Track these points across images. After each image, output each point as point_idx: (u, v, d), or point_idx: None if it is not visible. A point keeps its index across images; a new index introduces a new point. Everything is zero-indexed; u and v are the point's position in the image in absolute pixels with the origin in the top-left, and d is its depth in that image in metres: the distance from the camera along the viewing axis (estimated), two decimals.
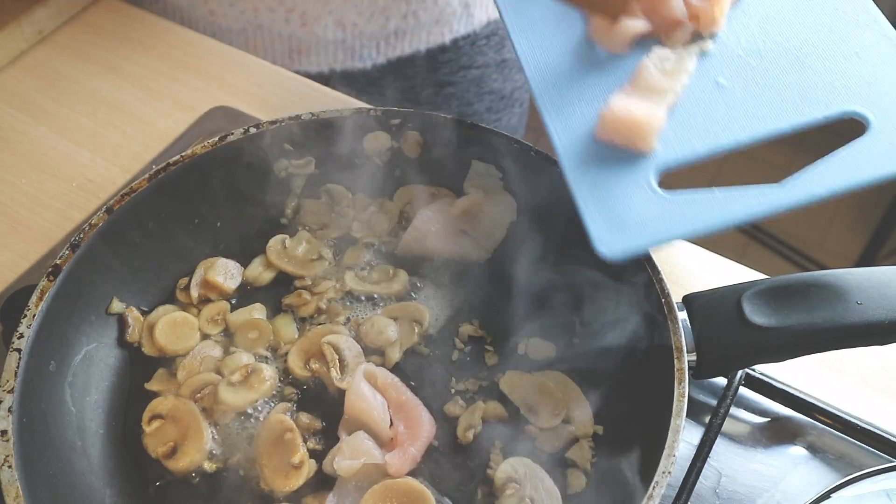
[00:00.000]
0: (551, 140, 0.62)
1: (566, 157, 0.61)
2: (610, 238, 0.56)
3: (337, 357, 0.68)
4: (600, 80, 0.66)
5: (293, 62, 1.07)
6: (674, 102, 0.63)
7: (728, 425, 0.71)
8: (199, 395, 0.67)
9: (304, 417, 0.66)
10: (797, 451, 0.70)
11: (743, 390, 0.73)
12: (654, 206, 0.58)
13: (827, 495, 0.60)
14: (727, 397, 0.69)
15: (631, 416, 0.64)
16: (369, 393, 0.65)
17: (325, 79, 1.08)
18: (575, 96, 0.65)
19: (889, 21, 0.66)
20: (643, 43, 0.68)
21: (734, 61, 0.66)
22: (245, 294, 0.74)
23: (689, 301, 0.65)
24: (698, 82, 0.65)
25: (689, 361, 0.61)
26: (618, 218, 0.57)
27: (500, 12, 0.71)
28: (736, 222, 0.56)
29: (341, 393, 0.66)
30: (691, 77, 0.65)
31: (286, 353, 0.70)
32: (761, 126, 0.61)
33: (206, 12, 1.04)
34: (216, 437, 0.65)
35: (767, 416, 0.72)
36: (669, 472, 0.55)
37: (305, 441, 0.65)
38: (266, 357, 0.70)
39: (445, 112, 0.76)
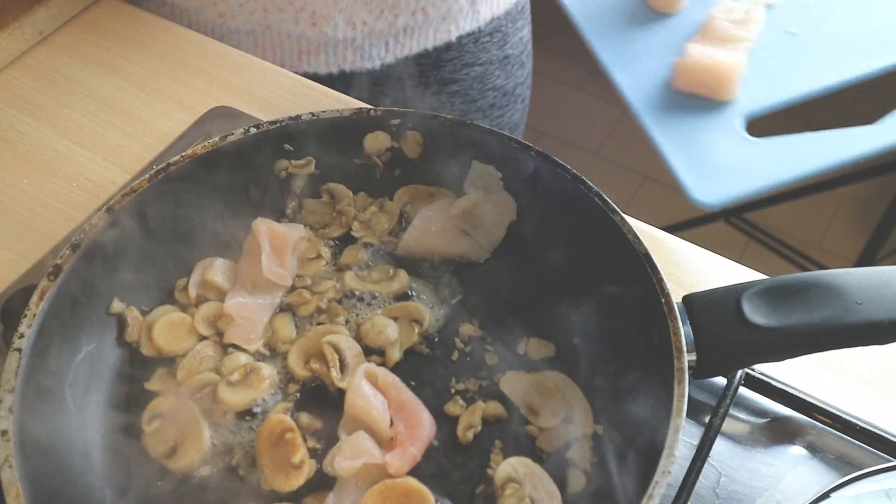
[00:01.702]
0: (622, 93, 0.62)
1: (643, 109, 0.60)
2: (706, 187, 0.55)
3: (337, 357, 0.68)
4: (660, 36, 0.65)
5: (302, 63, 1.07)
6: (749, 51, 0.62)
7: (728, 425, 0.71)
8: (198, 394, 0.67)
9: (304, 417, 0.66)
10: (797, 450, 0.70)
11: (743, 390, 0.73)
12: (746, 153, 0.57)
13: (827, 495, 0.60)
14: (727, 397, 0.69)
15: (631, 416, 0.63)
16: (370, 392, 0.65)
17: (333, 81, 1.08)
18: (638, 52, 0.64)
19: None
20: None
21: (801, 11, 0.65)
22: None
23: (689, 301, 0.65)
24: (769, 32, 0.64)
25: (689, 361, 0.61)
26: (710, 166, 0.56)
27: None
28: (833, 165, 0.55)
29: (341, 393, 0.66)
30: (762, 27, 0.64)
31: (285, 353, 0.70)
32: (841, 71, 0.60)
33: (214, 14, 1.04)
34: (216, 437, 0.65)
35: (767, 416, 0.72)
36: (669, 472, 0.55)
37: (305, 441, 0.65)
38: (265, 356, 0.70)
39: (449, 109, 0.76)
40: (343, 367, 0.68)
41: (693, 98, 0.59)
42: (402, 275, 0.75)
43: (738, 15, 0.62)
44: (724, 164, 0.54)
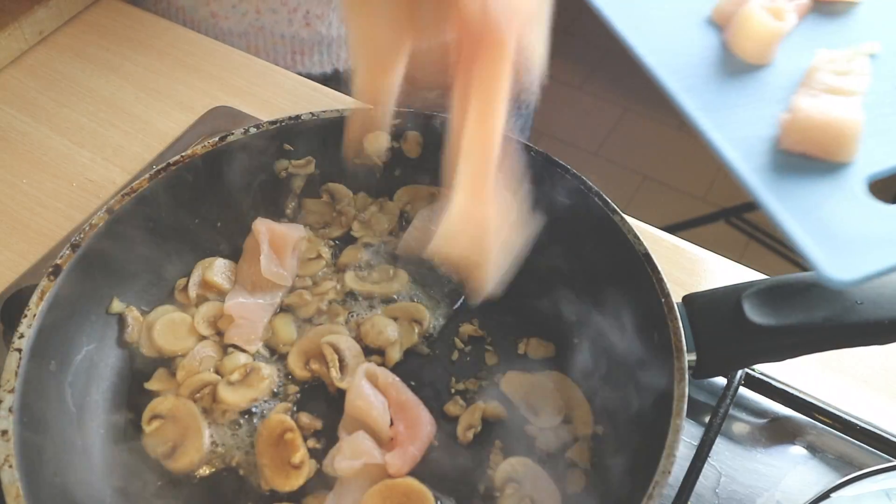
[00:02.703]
0: (721, 155, 0.55)
1: (749, 174, 0.54)
2: (840, 262, 0.49)
3: (337, 357, 0.68)
4: (752, 90, 0.58)
5: (296, 64, 1.07)
6: (862, 106, 0.57)
7: (728, 425, 0.71)
8: (198, 394, 0.67)
9: (305, 417, 0.66)
10: (797, 450, 0.70)
11: (743, 390, 0.73)
12: (882, 223, 0.50)
13: (827, 495, 0.60)
14: (727, 397, 0.69)
15: (631, 416, 0.64)
16: (370, 392, 0.65)
17: (328, 80, 1.08)
18: (732, 107, 0.57)
19: None
20: (788, 48, 0.62)
21: None
22: None
23: (689, 301, 0.65)
24: (878, 84, 0.59)
25: (689, 361, 0.60)
26: (839, 238, 0.49)
27: (607, 20, 0.66)
28: None
29: (341, 393, 0.66)
30: (870, 79, 0.59)
31: (285, 354, 0.70)
32: None
33: (207, 14, 1.04)
34: (216, 437, 0.65)
35: (767, 416, 0.72)
36: (669, 472, 0.55)
37: (305, 441, 0.65)
38: (265, 357, 0.70)
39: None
40: (343, 367, 0.68)
41: (805, 160, 0.52)
42: (402, 275, 0.75)
43: (840, 65, 0.56)
44: (853, 234, 0.48)
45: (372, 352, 0.70)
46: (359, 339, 0.71)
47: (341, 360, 0.68)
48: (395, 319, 0.72)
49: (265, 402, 0.67)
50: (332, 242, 0.78)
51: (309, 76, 1.05)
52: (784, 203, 0.53)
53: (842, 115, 0.54)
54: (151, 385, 0.68)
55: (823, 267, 0.49)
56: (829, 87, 0.57)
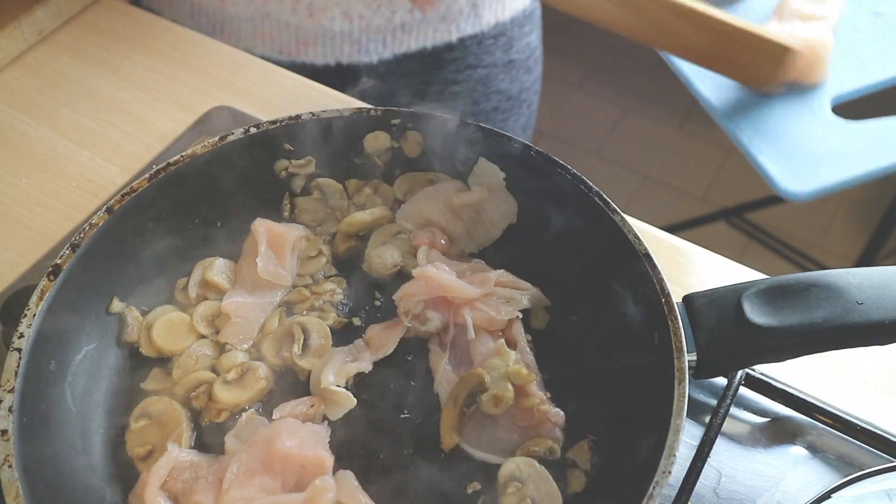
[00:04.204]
0: (689, 84, 0.59)
1: (716, 99, 0.57)
2: (795, 175, 0.52)
3: (303, 337, 0.69)
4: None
5: (300, 53, 1.07)
6: (832, 31, 0.59)
7: (728, 425, 0.71)
8: (193, 393, 0.67)
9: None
10: (797, 451, 0.70)
11: (743, 390, 0.73)
12: (840, 138, 0.54)
13: (827, 495, 0.60)
14: (727, 397, 0.69)
15: (631, 417, 0.63)
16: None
17: (331, 72, 1.08)
18: None
19: None
20: None
21: None
22: None
23: (689, 301, 0.65)
24: (854, 11, 0.60)
25: (689, 361, 0.60)
26: (798, 154, 0.53)
27: None
28: None
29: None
30: (844, 5, 0.61)
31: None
32: None
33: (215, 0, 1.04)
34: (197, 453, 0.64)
35: (767, 416, 0.72)
36: (669, 472, 0.55)
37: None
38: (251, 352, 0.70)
39: (452, 111, 0.75)
40: (306, 346, 0.68)
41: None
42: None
43: None
44: (813, 150, 0.51)
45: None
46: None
47: (307, 341, 0.69)
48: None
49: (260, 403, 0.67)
50: (328, 238, 0.78)
51: (313, 67, 1.06)
52: (746, 123, 0.55)
53: (813, 38, 0.56)
54: (147, 385, 0.68)
55: (780, 181, 0.52)
56: (800, 14, 0.59)
